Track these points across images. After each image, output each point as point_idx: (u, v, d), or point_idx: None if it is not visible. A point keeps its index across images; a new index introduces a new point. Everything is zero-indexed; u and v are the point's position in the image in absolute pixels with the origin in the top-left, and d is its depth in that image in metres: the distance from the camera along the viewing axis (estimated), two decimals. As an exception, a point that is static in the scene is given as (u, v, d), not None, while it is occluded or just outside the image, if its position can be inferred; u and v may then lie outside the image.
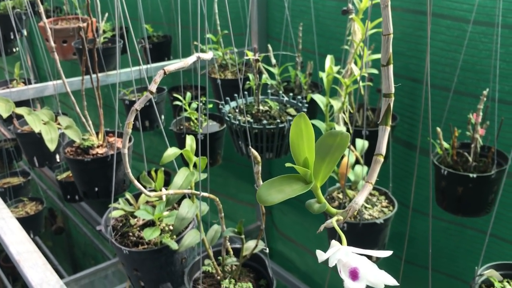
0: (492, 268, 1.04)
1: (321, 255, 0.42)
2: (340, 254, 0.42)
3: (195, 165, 1.00)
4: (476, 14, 1.55)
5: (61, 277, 3.75)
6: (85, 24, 2.05)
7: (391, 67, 0.46)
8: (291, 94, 1.45)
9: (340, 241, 0.44)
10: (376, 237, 1.22)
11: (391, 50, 0.45)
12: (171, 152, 0.94)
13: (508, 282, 1.03)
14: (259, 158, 0.76)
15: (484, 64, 1.57)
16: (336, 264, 0.43)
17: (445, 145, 1.42)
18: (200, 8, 0.98)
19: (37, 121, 1.28)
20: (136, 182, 0.78)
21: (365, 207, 1.28)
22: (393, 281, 0.43)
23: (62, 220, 4.93)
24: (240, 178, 2.74)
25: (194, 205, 0.95)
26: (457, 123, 1.59)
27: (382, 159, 0.47)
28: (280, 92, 1.49)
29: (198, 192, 0.90)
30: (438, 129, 1.43)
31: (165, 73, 0.73)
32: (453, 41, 1.63)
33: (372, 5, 1.11)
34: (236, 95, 1.46)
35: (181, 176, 0.92)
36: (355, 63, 1.18)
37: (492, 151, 1.36)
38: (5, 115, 1.21)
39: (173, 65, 0.75)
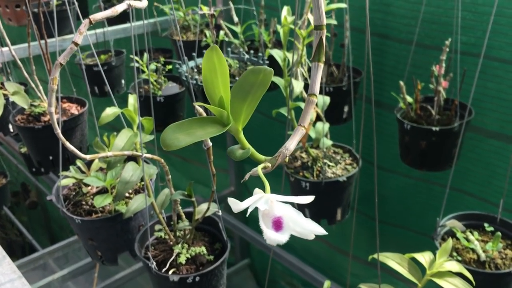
0: (454, 219, 1.02)
1: (236, 204, 0.37)
2: (262, 203, 0.37)
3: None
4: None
5: (35, 251, 3.70)
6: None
7: (321, -5, 0.40)
8: (252, 52, 1.39)
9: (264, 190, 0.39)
10: (339, 195, 1.19)
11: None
12: (110, 111, 0.88)
13: (471, 232, 1.01)
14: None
15: (450, 15, 1.52)
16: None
17: (409, 99, 1.39)
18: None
19: (-23, 87, 1.19)
20: (68, 144, 0.72)
21: (328, 165, 1.24)
22: (322, 231, 0.39)
23: (36, 195, 4.83)
24: (212, 143, 2.69)
25: (140, 168, 0.90)
26: (423, 78, 1.56)
27: (315, 99, 0.42)
28: (241, 50, 1.42)
29: (140, 154, 0.84)
30: (401, 83, 1.38)
31: (90, 22, 0.66)
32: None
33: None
34: (194, 54, 1.39)
35: (123, 137, 0.86)
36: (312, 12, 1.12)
37: (456, 103, 1.33)
38: None
39: (100, 13, 0.68)
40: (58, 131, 0.71)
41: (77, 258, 2.96)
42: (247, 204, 0.37)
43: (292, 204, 0.39)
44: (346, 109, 1.58)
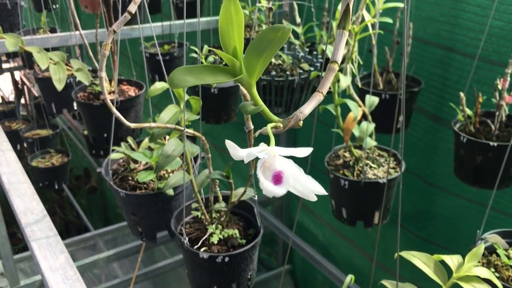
0: (497, 235, 0.96)
1: (234, 149, 0.37)
2: (265, 154, 0.37)
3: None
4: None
5: (88, 231, 3.86)
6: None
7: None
8: (307, 50, 1.40)
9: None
10: (378, 198, 1.16)
11: None
12: (159, 86, 0.91)
13: (512, 250, 0.96)
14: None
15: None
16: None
17: (468, 112, 1.33)
18: None
19: (45, 59, 1.27)
20: (114, 110, 0.75)
21: (370, 167, 1.22)
22: (322, 190, 0.38)
23: (96, 180, 5.05)
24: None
25: (182, 144, 0.92)
26: (487, 95, 1.49)
27: (336, 67, 0.42)
28: (297, 47, 1.43)
29: (182, 128, 0.87)
30: (461, 94, 1.33)
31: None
32: (489, 6, 1.52)
33: None
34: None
35: (168, 112, 0.89)
36: (367, 9, 1.11)
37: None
38: (11, 49, 1.21)
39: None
40: (107, 96, 0.74)
41: (124, 242, 3.06)
42: (248, 152, 0.37)
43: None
44: (401, 118, 1.54)
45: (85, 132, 2.73)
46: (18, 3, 2.32)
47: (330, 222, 2.41)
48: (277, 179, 0.38)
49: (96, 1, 2.32)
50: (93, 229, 3.95)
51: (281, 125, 0.42)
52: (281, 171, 0.38)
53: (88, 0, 2.30)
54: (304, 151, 0.37)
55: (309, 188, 0.38)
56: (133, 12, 0.72)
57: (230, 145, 0.37)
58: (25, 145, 3.07)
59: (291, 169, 0.38)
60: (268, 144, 0.40)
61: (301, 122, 0.42)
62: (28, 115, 4.22)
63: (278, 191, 0.37)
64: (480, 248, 0.72)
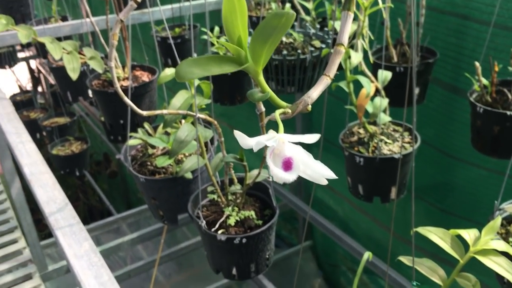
0: (515, 205, 0.96)
1: (243, 139, 0.38)
2: (274, 141, 0.38)
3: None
4: None
5: (111, 215, 3.93)
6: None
7: None
8: (326, 29, 1.38)
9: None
10: (394, 173, 1.16)
11: None
12: (169, 72, 0.91)
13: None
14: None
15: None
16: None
17: (484, 81, 1.31)
18: None
19: (58, 49, 1.29)
20: (126, 99, 0.76)
21: (385, 142, 1.21)
22: (331, 174, 0.39)
23: (116, 165, 5.12)
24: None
25: (194, 129, 0.93)
26: (505, 62, 1.46)
27: (343, 50, 0.42)
28: (307, 24, 1.41)
29: (194, 113, 0.87)
30: (477, 63, 1.31)
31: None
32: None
33: None
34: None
35: (179, 98, 0.90)
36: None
37: (535, 87, 1.24)
38: (24, 41, 1.22)
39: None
40: (117, 85, 0.75)
41: (147, 225, 3.12)
42: (257, 140, 0.38)
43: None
44: (417, 91, 1.53)
45: (102, 118, 2.76)
46: (29, -7, 2.33)
47: (349, 198, 2.42)
48: (287, 165, 0.38)
49: (105, -13, 2.32)
50: (116, 213, 4.02)
51: (289, 111, 0.42)
52: (291, 157, 0.38)
53: (98, -14, 2.31)
54: (312, 138, 0.37)
55: (319, 172, 0.39)
56: (139, 0, 0.72)
57: (238, 135, 0.38)
58: (44, 133, 3.12)
59: (300, 155, 0.38)
60: (278, 131, 0.40)
61: (310, 106, 0.42)
62: (45, 103, 4.28)
63: (289, 177, 0.38)
64: (497, 221, 0.72)
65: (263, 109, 0.84)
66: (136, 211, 3.27)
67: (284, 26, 0.39)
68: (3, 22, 1.14)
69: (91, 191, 4.99)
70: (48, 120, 3.03)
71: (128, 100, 0.76)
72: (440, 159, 1.87)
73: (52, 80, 3.93)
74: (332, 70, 0.43)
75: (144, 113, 0.80)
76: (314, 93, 0.42)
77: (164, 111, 0.84)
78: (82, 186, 4.99)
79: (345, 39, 0.42)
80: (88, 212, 4.84)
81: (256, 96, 0.42)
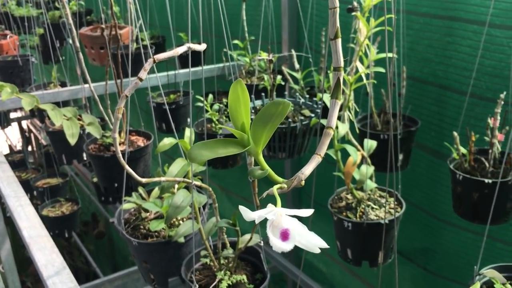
0: (494, 269, 1.00)
1: (247, 213, 0.43)
2: (273, 215, 0.43)
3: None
4: (504, 18, 1.51)
5: (97, 278, 3.86)
6: (107, 32, 2.13)
7: (339, 40, 0.46)
8: (308, 96, 1.46)
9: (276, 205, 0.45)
10: (380, 238, 1.20)
11: (338, 24, 0.46)
12: (167, 141, 0.97)
13: (510, 284, 0.99)
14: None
15: (512, 69, 1.52)
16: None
17: (462, 150, 1.39)
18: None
19: (58, 116, 1.34)
20: (127, 166, 0.81)
21: (372, 208, 1.26)
22: (324, 244, 0.43)
23: (104, 225, 5.07)
24: (260, 181, 2.75)
25: (190, 195, 0.97)
26: (484, 131, 1.54)
27: (332, 132, 0.48)
28: (297, 94, 1.50)
29: (190, 181, 0.92)
30: (455, 133, 1.39)
31: (154, 61, 0.76)
32: (480, 46, 1.59)
33: (378, 5, 1.11)
34: (253, 96, 1.48)
35: (176, 165, 0.95)
36: (361, 61, 1.18)
37: (511, 156, 1.31)
38: (27, 108, 1.28)
39: (163, 54, 0.77)
40: (120, 154, 0.80)
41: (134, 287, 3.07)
42: (258, 214, 0.43)
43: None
44: (401, 157, 1.60)
45: (94, 179, 2.78)
46: (30, 60, 2.42)
47: (340, 261, 2.43)
48: (285, 236, 0.43)
49: (104, 55, 2.43)
50: (102, 275, 3.95)
51: (285, 186, 0.47)
52: (288, 228, 0.43)
53: (96, 54, 2.40)
54: (306, 212, 0.42)
55: (313, 242, 0.43)
56: (144, 78, 0.78)
57: (242, 209, 0.43)
58: (35, 194, 3.13)
59: (296, 226, 0.43)
60: (275, 204, 0.45)
61: (303, 181, 0.47)
62: (35, 162, 4.29)
63: (286, 246, 0.42)
64: (476, 286, 0.76)
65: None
66: (124, 274, 3.22)
67: (281, 113, 0.45)
68: (8, 91, 1.21)
69: (77, 252, 4.91)
70: (40, 181, 3.04)
71: (128, 168, 0.81)
72: (428, 222, 1.92)
73: (44, 141, 3.98)
74: (323, 150, 0.48)
75: (144, 180, 0.84)
76: (307, 170, 0.47)
77: (162, 178, 0.89)
78: (68, 247, 4.91)
79: (333, 123, 0.48)
80: (74, 274, 4.72)
81: (256, 173, 0.47)
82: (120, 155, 0.79)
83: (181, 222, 1.30)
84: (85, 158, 1.87)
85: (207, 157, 0.44)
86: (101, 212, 4.63)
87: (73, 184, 4.13)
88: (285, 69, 1.79)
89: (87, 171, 4.33)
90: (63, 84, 2.44)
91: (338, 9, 0.46)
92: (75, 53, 1.44)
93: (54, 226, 2.78)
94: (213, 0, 1.87)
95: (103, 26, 1.67)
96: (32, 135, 4.92)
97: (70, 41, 3.04)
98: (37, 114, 2.43)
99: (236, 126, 0.46)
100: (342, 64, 0.47)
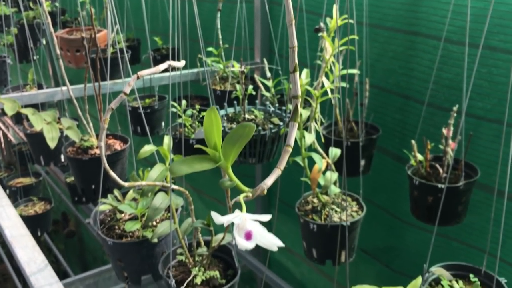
0: (442, 268, 1.11)
1: (217, 218, 0.51)
2: (239, 219, 0.51)
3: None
4: (460, 35, 1.63)
5: (68, 276, 3.87)
6: (86, 35, 2.17)
7: (297, 74, 0.55)
8: (283, 107, 1.55)
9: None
10: (344, 238, 1.30)
11: (296, 61, 0.54)
12: (148, 148, 1.04)
13: (456, 281, 1.10)
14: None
15: (467, 82, 1.64)
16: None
17: (419, 157, 1.50)
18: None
19: (39, 121, 1.40)
20: (111, 172, 0.88)
21: (336, 211, 1.36)
22: (280, 243, 0.52)
23: (74, 224, 5.06)
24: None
25: (168, 197, 1.05)
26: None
27: (290, 149, 0.56)
28: (267, 103, 1.59)
29: (169, 185, 1.00)
30: (413, 141, 1.50)
31: (138, 77, 0.84)
32: (439, 60, 1.70)
33: (343, 25, 1.20)
34: (225, 104, 1.56)
35: (156, 170, 1.02)
36: (326, 76, 1.28)
37: (462, 163, 1.43)
38: (10, 113, 1.33)
39: (146, 70, 0.85)
40: (105, 162, 0.87)
41: (106, 286, 3.11)
42: (227, 218, 0.51)
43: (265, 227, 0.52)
44: (363, 162, 1.70)
45: (68, 180, 2.82)
46: (6, 61, 2.44)
47: (307, 259, 2.53)
48: (248, 236, 0.52)
49: (79, 57, 2.47)
50: (72, 273, 3.96)
51: (250, 195, 0.55)
52: (251, 230, 0.52)
53: (72, 56, 2.44)
54: (266, 217, 0.51)
55: (271, 242, 0.52)
56: (128, 92, 0.86)
57: (214, 215, 0.51)
58: (7, 192, 3.13)
59: (258, 228, 0.52)
60: (241, 210, 0.53)
61: (265, 191, 0.56)
62: (3, 160, 4.26)
63: (249, 245, 0.51)
64: (418, 280, 0.86)
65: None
66: (95, 272, 3.25)
67: (247, 135, 0.53)
68: (-9, 97, 1.25)
69: (47, 252, 4.89)
70: (13, 180, 3.06)
71: (112, 173, 0.88)
72: (391, 222, 2.03)
73: (13, 139, 3.96)
74: (282, 164, 0.57)
75: (126, 184, 0.92)
76: (269, 181, 0.56)
77: (143, 183, 0.96)
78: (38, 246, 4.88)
79: (291, 142, 0.57)
80: (44, 273, 4.70)
81: (226, 184, 0.55)
82: (106, 162, 0.87)
83: (154, 222, 1.38)
84: (62, 160, 1.92)
85: (186, 172, 0.52)
86: (72, 211, 4.63)
87: (46, 183, 4.13)
88: (257, 77, 1.88)
89: (59, 171, 4.33)
90: (39, 86, 2.47)
91: (296, 48, 0.55)
92: (55, 59, 1.49)
93: (27, 225, 2.79)
94: (187, 6, 1.94)
95: (83, 34, 1.72)
96: (0, 132, 4.87)
97: (44, 41, 3.06)
98: (15, 118, 2.45)
99: (210, 145, 0.54)
100: (299, 93, 0.56)
